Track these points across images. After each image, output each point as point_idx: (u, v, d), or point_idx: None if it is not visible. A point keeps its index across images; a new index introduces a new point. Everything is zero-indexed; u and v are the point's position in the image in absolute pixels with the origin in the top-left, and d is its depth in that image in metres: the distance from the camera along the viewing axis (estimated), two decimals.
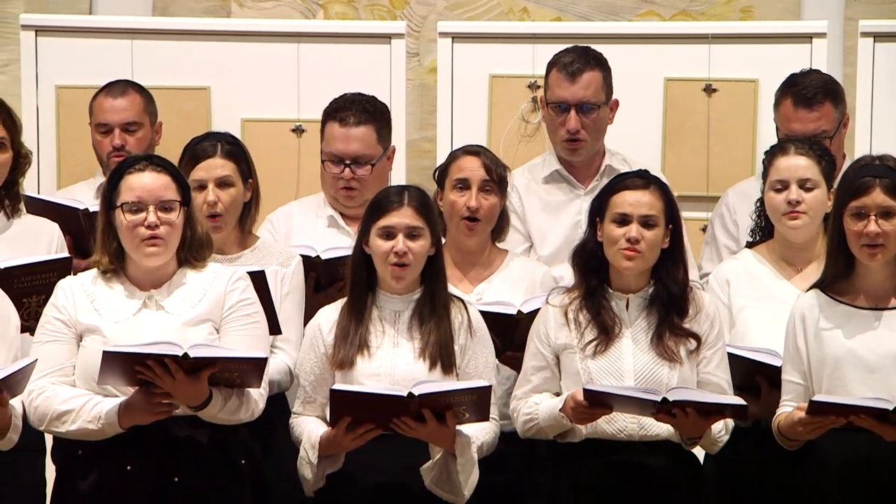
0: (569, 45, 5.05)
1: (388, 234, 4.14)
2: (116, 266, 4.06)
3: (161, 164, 4.07)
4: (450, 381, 4.09)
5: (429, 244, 4.17)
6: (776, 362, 4.21)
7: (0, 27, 5.72)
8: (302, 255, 4.53)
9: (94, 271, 4.11)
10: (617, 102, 5.02)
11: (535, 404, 4.16)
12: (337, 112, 4.85)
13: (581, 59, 4.96)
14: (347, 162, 4.79)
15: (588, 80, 4.93)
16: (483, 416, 4.03)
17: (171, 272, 4.08)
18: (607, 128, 5.02)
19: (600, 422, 4.06)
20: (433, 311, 4.16)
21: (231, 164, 4.46)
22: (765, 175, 4.51)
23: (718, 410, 4.00)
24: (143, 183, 4.02)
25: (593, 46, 5.06)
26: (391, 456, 4.04)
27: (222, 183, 4.45)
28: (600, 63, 4.99)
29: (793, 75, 5.04)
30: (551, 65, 5.00)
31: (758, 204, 4.58)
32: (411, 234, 4.14)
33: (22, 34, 5.59)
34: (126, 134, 5.09)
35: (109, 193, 4.05)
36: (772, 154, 4.51)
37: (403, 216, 4.14)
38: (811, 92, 4.91)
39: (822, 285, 4.14)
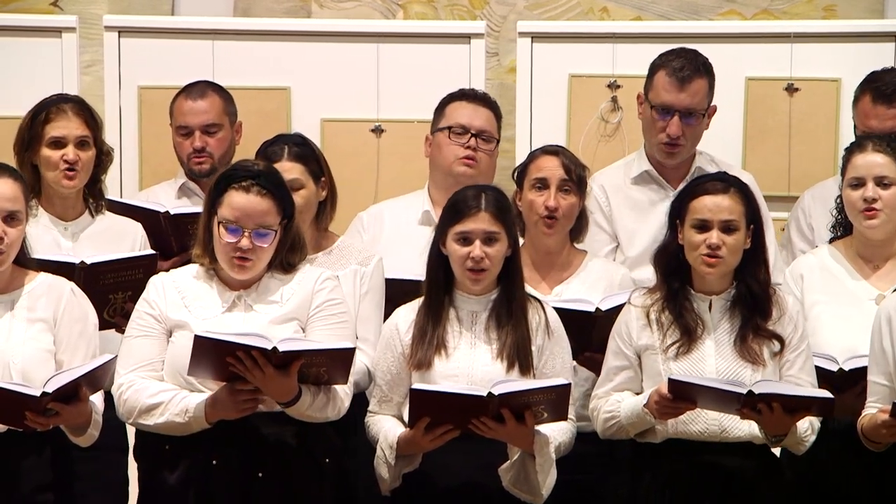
0: (676, 47, 4.98)
1: (465, 239, 4.13)
2: (212, 262, 4.09)
3: (267, 187, 4.04)
4: (528, 380, 4.08)
5: (506, 247, 4.15)
6: (833, 367, 4.18)
7: (83, 28, 5.76)
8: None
9: (188, 268, 4.16)
10: (715, 108, 4.97)
11: (618, 402, 4.15)
12: (463, 95, 4.97)
13: (691, 65, 4.89)
14: (474, 132, 4.86)
15: (696, 87, 4.88)
16: (561, 415, 4.04)
17: (261, 274, 4.10)
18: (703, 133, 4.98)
19: (681, 421, 4.05)
20: (510, 313, 4.15)
21: (299, 167, 4.44)
22: (843, 172, 4.48)
23: (805, 406, 3.97)
24: (244, 205, 4.01)
25: (673, 46, 5.03)
26: (469, 456, 4.04)
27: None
28: (708, 71, 4.93)
29: (873, 72, 5.01)
30: (659, 66, 4.93)
31: (838, 201, 4.55)
32: (488, 239, 4.13)
33: (105, 35, 5.65)
34: (206, 136, 5.08)
35: (214, 197, 4.06)
36: (850, 151, 4.47)
37: (480, 222, 4.12)
38: (890, 89, 4.88)
39: None
